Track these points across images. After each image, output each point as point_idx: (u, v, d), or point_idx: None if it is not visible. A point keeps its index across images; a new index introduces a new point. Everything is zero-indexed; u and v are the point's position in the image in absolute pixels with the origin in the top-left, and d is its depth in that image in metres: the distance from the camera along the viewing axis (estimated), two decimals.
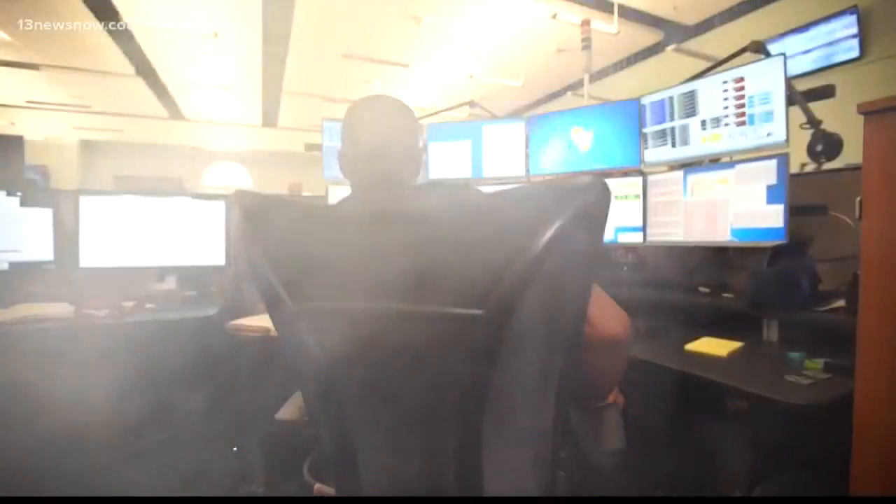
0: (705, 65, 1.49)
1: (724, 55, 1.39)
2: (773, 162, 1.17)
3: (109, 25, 6.06)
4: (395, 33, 6.16)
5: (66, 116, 10.31)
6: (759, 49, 1.29)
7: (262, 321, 1.29)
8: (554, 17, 4.88)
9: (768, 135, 1.23)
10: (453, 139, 1.87)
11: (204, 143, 11.93)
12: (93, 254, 1.47)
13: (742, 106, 1.26)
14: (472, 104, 2.32)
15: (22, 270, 1.40)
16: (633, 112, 1.56)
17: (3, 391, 1.09)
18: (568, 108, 1.68)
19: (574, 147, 1.68)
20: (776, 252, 1.13)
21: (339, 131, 1.86)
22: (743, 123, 1.26)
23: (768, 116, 1.23)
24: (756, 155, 1.23)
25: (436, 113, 2.40)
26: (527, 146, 1.76)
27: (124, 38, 6.58)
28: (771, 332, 1.13)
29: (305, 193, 4.96)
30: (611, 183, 1.43)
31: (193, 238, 1.56)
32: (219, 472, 1.12)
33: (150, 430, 1.18)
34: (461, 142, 1.84)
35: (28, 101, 9.43)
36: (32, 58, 7.24)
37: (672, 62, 5.35)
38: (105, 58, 7.17)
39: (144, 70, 7.86)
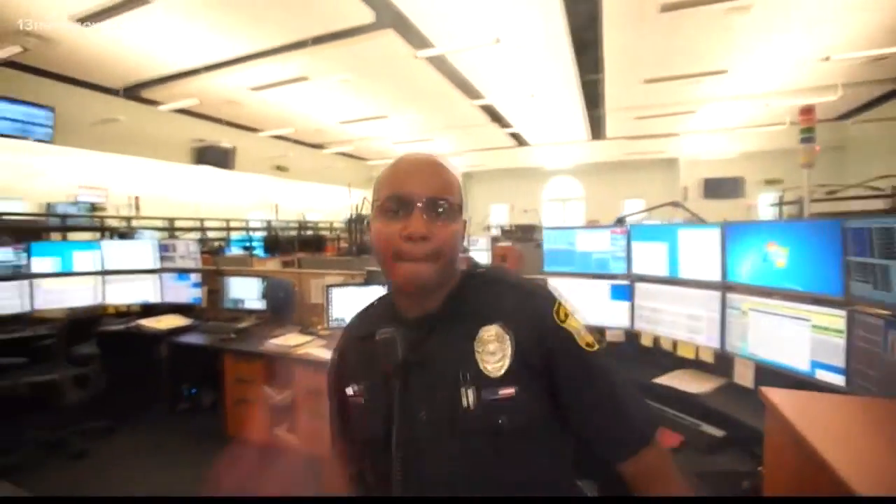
0: None
1: None
2: None
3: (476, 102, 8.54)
4: (709, 37, 5.58)
5: (454, 159, 14.43)
6: None
7: None
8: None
9: None
10: (652, 240, 1.98)
11: (542, 163, 13.91)
12: None
13: None
14: (675, 204, 2.18)
15: None
16: (832, 235, 1.29)
17: None
18: None
19: (770, 262, 1.51)
20: None
21: None
22: None
23: None
24: None
25: (642, 212, 2.30)
26: (722, 253, 1.69)
27: (485, 108, 9.13)
28: None
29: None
30: (809, 309, 1.35)
31: None
32: None
33: None
34: (658, 243, 1.94)
35: None
36: (434, 133, 11.02)
37: None
38: (472, 118, 9.91)
39: (496, 118, 10.30)
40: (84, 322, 2.61)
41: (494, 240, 8.28)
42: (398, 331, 0.64)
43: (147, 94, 7.87)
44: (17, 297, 2.97)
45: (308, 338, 2.65)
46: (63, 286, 3.17)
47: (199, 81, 7.18)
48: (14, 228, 5.28)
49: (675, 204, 2.20)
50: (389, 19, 5.69)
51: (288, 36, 5.99)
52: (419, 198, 0.61)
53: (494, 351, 0.62)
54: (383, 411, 0.63)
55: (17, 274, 3.02)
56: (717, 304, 1.70)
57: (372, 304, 0.78)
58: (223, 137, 9.51)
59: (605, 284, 2.13)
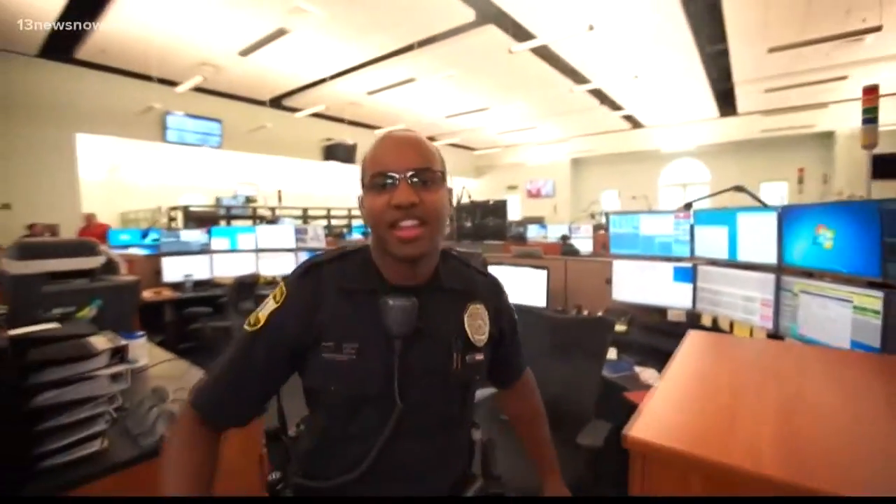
0: None
1: None
2: None
3: (581, 87, 8.40)
4: None
5: (561, 146, 14.14)
6: None
7: None
8: None
9: None
10: (713, 224, 2.02)
11: (658, 146, 12.95)
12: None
13: None
14: (738, 189, 2.09)
15: (526, 311, 2.79)
16: (870, 216, 1.28)
17: None
18: None
19: (819, 244, 1.51)
20: None
21: None
22: None
23: None
24: None
25: (704, 198, 2.17)
26: (779, 236, 1.70)
27: (594, 91, 8.93)
28: None
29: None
30: (852, 290, 1.42)
31: None
32: None
33: None
34: (719, 227, 1.98)
35: (537, 143, 13.88)
36: (539, 120, 11.00)
37: None
38: (580, 102, 9.72)
39: (606, 101, 9.95)
40: (246, 286, 3.47)
41: (597, 227, 8.12)
42: (413, 300, 0.69)
43: (287, 102, 9.32)
44: (205, 266, 4.02)
45: None
46: (231, 260, 4.18)
47: (325, 89, 8.30)
48: (199, 217, 6.83)
49: (738, 188, 2.16)
50: (489, 15, 5.98)
51: (397, 42, 6.64)
52: (404, 170, 0.66)
53: (480, 325, 0.77)
54: (381, 370, 0.68)
55: (203, 250, 4.09)
56: (772, 286, 1.74)
57: (344, 256, 0.76)
58: (346, 136, 10.76)
59: (669, 267, 2.22)
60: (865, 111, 1.75)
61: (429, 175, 0.68)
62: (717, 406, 0.59)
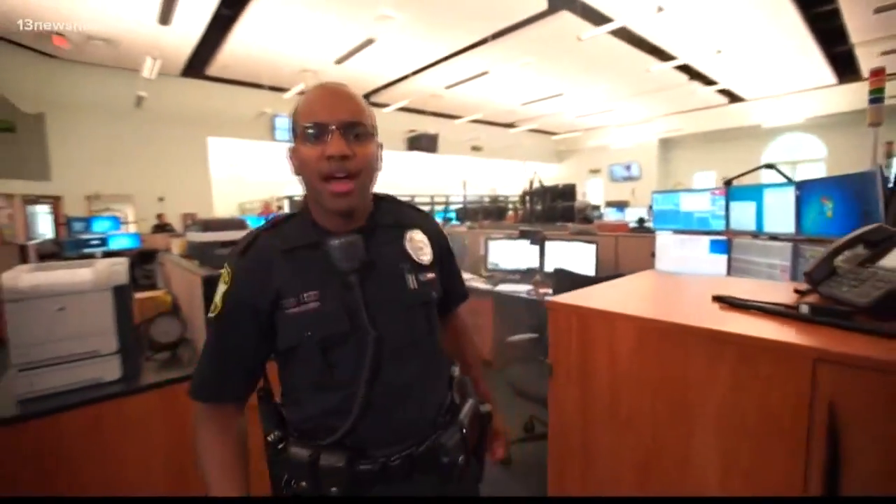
0: None
1: None
2: None
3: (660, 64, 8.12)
4: None
5: (647, 126, 13.52)
6: None
7: None
8: None
9: None
10: (743, 200, 2.19)
11: (760, 121, 11.88)
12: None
13: None
14: (768, 167, 2.13)
15: (565, 275, 3.28)
16: (854, 187, 1.45)
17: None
18: None
19: (823, 214, 1.67)
20: None
21: None
22: None
23: None
24: None
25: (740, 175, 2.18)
26: (797, 208, 1.86)
27: (683, 66, 8.55)
28: None
29: None
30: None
31: None
32: None
33: None
34: (748, 203, 2.15)
35: (620, 125, 13.43)
36: (621, 101, 10.72)
37: None
38: (666, 79, 9.33)
39: (698, 76, 9.43)
40: None
41: None
42: (356, 236, 0.73)
43: (374, 98, 10.18)
44: None
45: (472, 275, 3.65)
46: None
47: (408, 84, 8.98)
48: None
49: (768, 166, 2.25)
50: (561, 2, 6.13)
51: (473, 36, 7.04)
52: (336, 122, 0.68)
53: (422, 246, 0.81)
54: (344, 307, 0.71)
55: None
56: (790, 253, 1.92)
57: (278, 223, 0.78)
58: (429, 126, 11.43)
59: (705, 240, 2.42)
60: (872, 92, 1.75)
61: (360, 129, 0.71)
62: (610, 293, 0.98)
